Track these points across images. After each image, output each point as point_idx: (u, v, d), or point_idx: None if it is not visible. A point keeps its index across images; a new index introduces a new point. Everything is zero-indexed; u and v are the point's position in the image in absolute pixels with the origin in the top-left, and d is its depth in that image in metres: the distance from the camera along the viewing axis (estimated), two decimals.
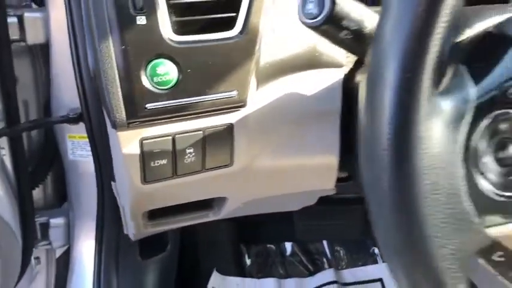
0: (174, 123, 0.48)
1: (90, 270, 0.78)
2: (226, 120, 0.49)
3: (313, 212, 0.85)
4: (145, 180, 0.49)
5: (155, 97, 0.45)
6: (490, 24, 0.36)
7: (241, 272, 1.10)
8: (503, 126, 0.32)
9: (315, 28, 0.35)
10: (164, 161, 0.48)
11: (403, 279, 0.31)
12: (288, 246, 1.17)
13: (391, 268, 0.31)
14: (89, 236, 0.75)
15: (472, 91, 0.32)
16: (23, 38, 0.61)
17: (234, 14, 0.48)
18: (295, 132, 0.54)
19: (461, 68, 0.34)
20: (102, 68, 0.43)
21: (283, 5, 0.50)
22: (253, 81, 0.49)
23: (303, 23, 0.36)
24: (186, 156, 0.49)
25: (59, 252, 0.84)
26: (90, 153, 0.63)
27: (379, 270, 1.10)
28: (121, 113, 0.44)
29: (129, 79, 0.44)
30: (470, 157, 0.32)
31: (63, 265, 0.83)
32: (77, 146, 0.68)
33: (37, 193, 0.75)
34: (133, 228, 0.60)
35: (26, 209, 0.68)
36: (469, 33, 0.35)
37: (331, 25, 0.35)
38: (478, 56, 0.35)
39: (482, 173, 0.32)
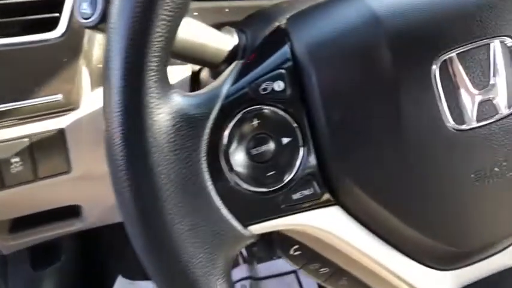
0: None
1: None
2: (56, 125, 0.47)
3: None
4: None
5: None
6: None
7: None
8: (256, 122, 0.32)
9: (92, 28, 0.34)
10: None
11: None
12: None
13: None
14: None
15: (225, 89, 0.32)
16: None
17: (57, 15, 0.46)
18: None
19: (235, 66, 0.34)
20: None
21: None
22: (85, 82, 0.47)
23: (80, 23, 0.34)
24: (12, 166, 0.46)
25: None
26: None
27: None
28: None
29: None
30: (221, 154, 0.31)
31: None
32: None
33: None
34: None
35: None
36: None
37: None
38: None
39: (234, 170, 0.31)
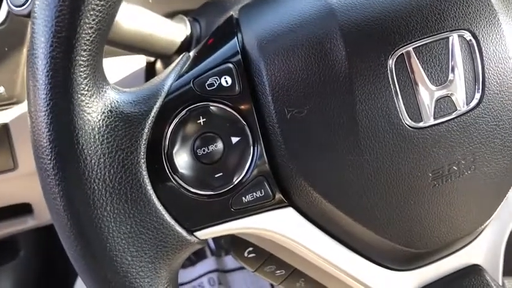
0: None
1: None
2: None
3: None
4: None
5: None
6: None
7: None
8: (201, 121, 0.30)
9: (25, 16, 0.31)
10: None
11: None
12: None
13: None
14: None
15: (168, 84, 0.30)
16: None
17: None
18: None
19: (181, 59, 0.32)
20: None
21: None
22: None
23: (12, 11, 0.32)
24: None
25: None
26: None
27: None
28: None
29: None
30: (163, 155, 0.29)
31: None
32: None
33: None
34: None
35: None
36: None
37: None
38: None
39: (178, 172, 0.29)
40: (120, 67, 0.50)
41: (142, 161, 0.28)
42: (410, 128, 0.31)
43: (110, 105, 0.27)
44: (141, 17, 0.35)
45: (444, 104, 0.32)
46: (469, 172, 0.33)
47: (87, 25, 0.25)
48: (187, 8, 0.45)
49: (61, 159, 0.25)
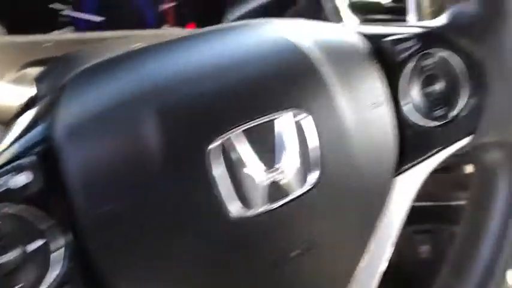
0: None
1: None
2: None
3: None
4: None
5: None
6: None
7: None
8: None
9: None
10: None
11: None
12: None
13: None
14: None
15: None
16: None
17: None
18: None
19: None
20: None
21: None
22: None
23: None
24: None
25: None
26: None
27: None
28: None
29: None
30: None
31: None
32: None
33: None
34: None
35: None
36: None
37: None
38: None
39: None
40: None
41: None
42: (239, 218, 0.29)
43: None
44: None
45: (277, 189, 0.30)
46: (310, 254, 0.32)
47: None
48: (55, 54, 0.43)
49: None
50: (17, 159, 0.27)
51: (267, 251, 0.31)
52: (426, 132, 0.38)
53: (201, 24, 0.76)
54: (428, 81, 0.38)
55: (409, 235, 1.04)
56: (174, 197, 0.28)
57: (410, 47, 0.37)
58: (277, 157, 0.31)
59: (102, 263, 0.28)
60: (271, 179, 0.31)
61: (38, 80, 0.41)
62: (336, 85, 0.33)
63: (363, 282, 0.37)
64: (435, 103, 0.38)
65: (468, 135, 0.40)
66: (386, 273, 0.39)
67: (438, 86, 0.38)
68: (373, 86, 0.35)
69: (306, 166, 0.32)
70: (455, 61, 0.38)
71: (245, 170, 0.30)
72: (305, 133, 0.31)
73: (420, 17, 0.72)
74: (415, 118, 0.38)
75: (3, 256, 0.26)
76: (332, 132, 0.32)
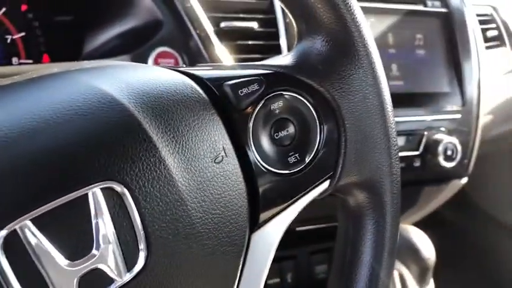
0: None
1: None
2: None
3: None
4: None
5: None
6: None
7: None
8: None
9: None
10: None
11: None
12: None
13: None
14: None
15: None
16: None
17: None
18: None
19: None
20: None
21: None
22: None
23: None
24: None
25: None
26: None
27: None
28: None
29: None
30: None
31: None
32: None
33: None
34: None
35: None
36: None
37: None
38: None
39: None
40: None
41: None
42: None
43: None
44: None
45: (94, 280, 0.25)
46: None
47: None
48: None
49: None
50: None
51: None
52: (282, 181, 0.34)
53: (57, 55, 0.69)
54: (279, 126, 0.34)
55: (307, 257, 1.03)
56: None
57: (255, 90, 0.33)
58: (89, 242, 0.25)
59: None
60: (84, 270, 0.25)
61: None
62: (163, 145, 0.28)
63: None
64: (288, 148, 0.35)
65: (328, 178, 0.37)
66: None
67: (290, 130, 0.35)
68: (212, 139, 0.31)
69: (133, 246, 0.26)
70: (305, 102, 0.35)
71: (43, 268, 0.24)
72: (128, 208, 0.26)
73: (291, 42, 0.70)
74: (268, 167, 0.34)
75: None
76: (161, 203, 0.27)
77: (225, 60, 0.66)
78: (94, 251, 0.25)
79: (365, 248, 0.40)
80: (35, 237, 0.24)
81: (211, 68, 0.36)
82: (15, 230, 0.23)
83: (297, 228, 0.88)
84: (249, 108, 0.33)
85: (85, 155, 0.25)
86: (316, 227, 0.93)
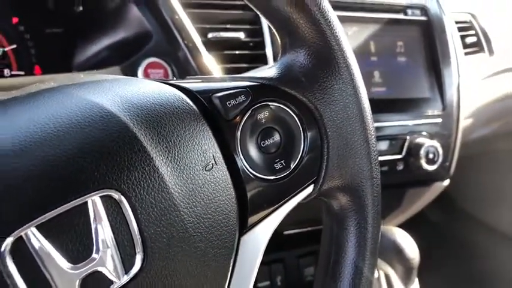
0: None
1: None
2: None
3: None
4: None
5: None
6: None
7: None
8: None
9: None
10: None
11: None
12: None
13: None
14: None
15: None
16: None
17: None
18: None
19: None
20: None
21: None
22: None
23: None
24: None
25: None
26: None
27: None
28: None
29: None
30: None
31: None
32: None
33: None
34: None
35: None
36: None
37: None
38: None
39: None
40: None
41: None
42: None
43: None
44: None
45: (95, 281, 0.27)
46: None
47: None
48: None
49: None
50: None
51: None
52: (269, 186, 0.37)
53: (46, 67, 0.70)
54: (265, 134, 0.37)
55: (295, 260, 1.06)
56: None
57: (242, 102, 0.35)
58: (89, 246, 0.27)
59: None
60: (86, 273, 0.27)
61: None
62: (159, 152, 0.30)
63: None
64: (274, 155, 0.37)
65: (312, 183, 0.39)
66: None
67: (275, 138, 0.37)
68: (203, 148, 0.33)
69: (130, 249, 0.28)
70: (290, 112, 0.37)
71: (48, 272, 0.26)
72: (125, 214, 0.28)
73: (277, 51, 0.72)
74: (256, 173, 0.36)
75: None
76: (156, 209, 0.29)
77: (213, 70, 0.68)
78: (94, 255, 0.27)
79: (349, 248, 0.42)
80: (39, 242, 0.26)
81: (200, 80, 0.38)
82: (21, 237, 0.25)
83: (285, 232, 0.91)
84: (237, 118, 0.35)
85: (85, 165, 0.27)
86: (303, 231, 0.95)
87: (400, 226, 0.97)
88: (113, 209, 0.28)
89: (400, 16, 0.86)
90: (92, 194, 0.27)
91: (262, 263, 0.38)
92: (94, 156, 0.28)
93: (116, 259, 0.28)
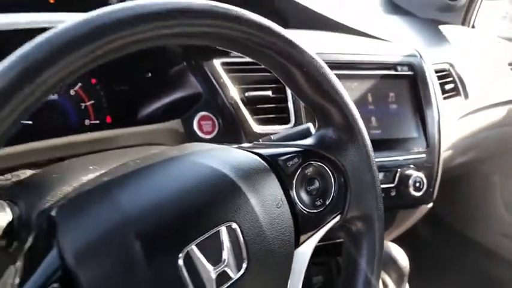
0: None
1: None
2: None
3: None
4: None
5: None
6: None
7: None
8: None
9: None
10: None
11: None
12: None
13: None
14: None
15: None
16: None
17: None
18: None
19: None
20: None
21: None
22: None
23: None
24: None
25: None
26: None
27: None
28: None
29: None
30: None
31: None
32: None
33: None
34: None
35: None
36: None
37: None
38: None
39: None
40: None
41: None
42: None
43: None
44: None
45: (222, 277, 0.46)
46: None
47: None
48: None
49: None
50: None
51: None
52: (312, 217, 0.56)
53: (116, 118, 0.89)
54: (310, 183, 0.56)
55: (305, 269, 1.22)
56: None
57: (296, 162, 0.55)
58: (220, 255, 0.46)
59: None
60: (218, 271, 0.46)
61: (10, 203, 0.50)
62: (252, 197, 0.50)
63: None
64: (315, 196, 0.57)
65: (339, 214, 0.59)
66: None
67: (316, 185, 0.57)
68: (275, 192, 0.53)
69: (239, 258, 0.47)
70: (325, 167, 0.57)
71: (203, 267, 0.45)
72: (238, 236, 0.47)
73: (297, 104, 0.92)
74: (304, 208, 0.56)
75: None
76: (252, 230, 0.49)
77: (249, 120, 0.88)
78: (222, 262, 0.46)
79: (361, 259, 0.62)
80: (196, 254, 0.45)
81: (268, 146, 0.58)
82: (188, 252, 0.44)
83: None
84: (293, 173, 0.55)
85: (216, 208, 0.47)
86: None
87: (394, 241, 1.17)
88: (231, 233, 0.47)
89: (392, 72, 1.06)
90: (222, 224, 0.47)
91: None
92: (220, 203, 0.47)
93: (232, 263, 0.47)
